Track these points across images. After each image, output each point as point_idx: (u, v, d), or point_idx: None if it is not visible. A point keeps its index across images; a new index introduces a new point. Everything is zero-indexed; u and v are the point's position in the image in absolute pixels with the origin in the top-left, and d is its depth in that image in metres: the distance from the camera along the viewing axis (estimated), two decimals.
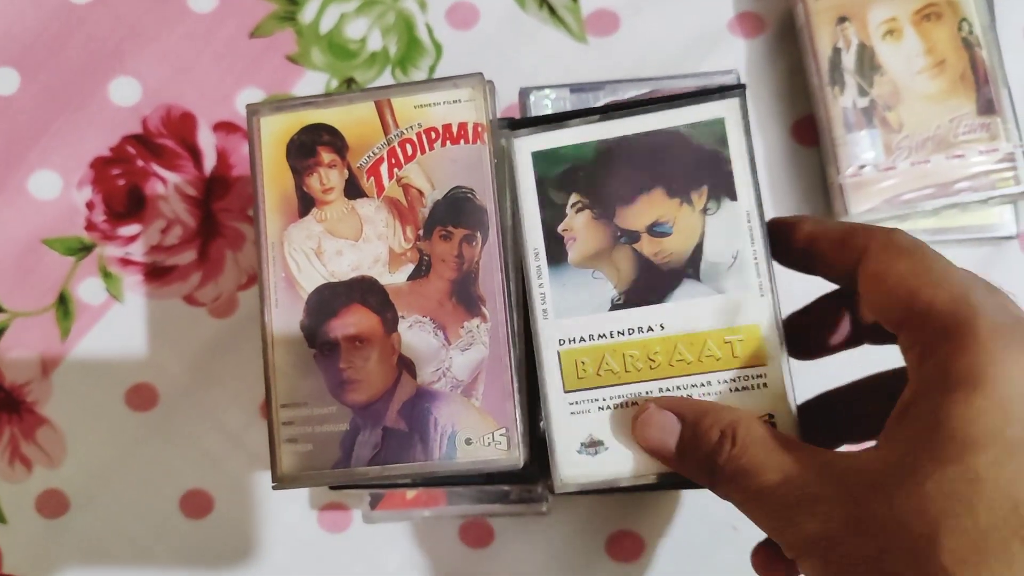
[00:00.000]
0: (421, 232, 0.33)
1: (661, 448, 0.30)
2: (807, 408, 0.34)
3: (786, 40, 0.47)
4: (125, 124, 0.49)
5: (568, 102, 0.36)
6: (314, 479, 0.32)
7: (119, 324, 0.48)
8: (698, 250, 0.32)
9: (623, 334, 0.32)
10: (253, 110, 0.34)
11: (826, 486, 0.26)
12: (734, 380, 0.32)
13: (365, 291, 0.33)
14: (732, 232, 0.32)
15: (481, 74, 0.33)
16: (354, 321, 0.33)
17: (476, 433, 0.32)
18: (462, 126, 0.33)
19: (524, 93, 0.36)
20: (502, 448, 0.32)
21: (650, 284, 0.32)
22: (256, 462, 0.47)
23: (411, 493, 0.42)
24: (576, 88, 0.36)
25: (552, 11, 0.48)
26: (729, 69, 0.36)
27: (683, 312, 0.32)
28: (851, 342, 0.35)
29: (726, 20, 0.47)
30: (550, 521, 0.45)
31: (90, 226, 0.48)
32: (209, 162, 0.48)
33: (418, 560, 0.46)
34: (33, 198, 0.49)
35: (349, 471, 0.32)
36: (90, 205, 0.49)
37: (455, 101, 0.33)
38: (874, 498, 0.25)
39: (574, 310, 0.33)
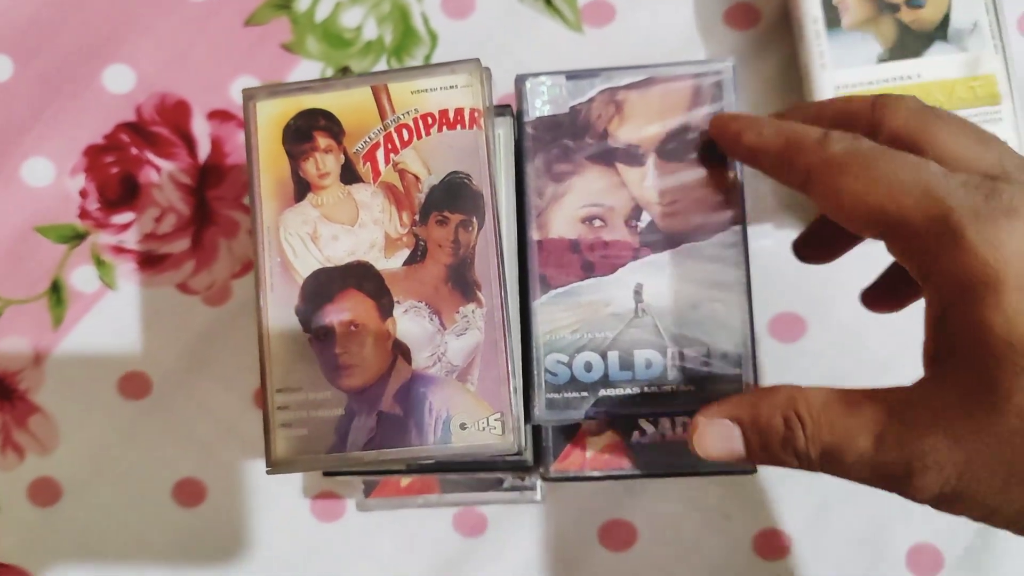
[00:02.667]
0: (417, 217, 0.33)
1: (731, 455, 0.30)
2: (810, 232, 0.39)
3: (780, 31, 0.47)
4: (119, 112, 0.49)
5: (564, 89, 0.36)
6: (309, 463, 0.32)
7: (112, 312, 0.48)
8: (946, 19, 0.42)
9: (887, 81, 0.42)
10: (249, 95, 0.34)
11: (924, 440, 0.25)
12: (976, 115, 0.41)
13: (361, 276, 0.33)
14: (973, 4, 0.42)
15: (478, 60, 0.33)
16: (349, 306, 0.33)
17: (471, 418, 0.32)
18: (459, 111, 0.33)
19: (520, 80, 0.36)
20: (497, 433, 0.32)
21: (908, 44, 0.42)
22: (250, 450, 0.47)
23: (405, 481, 0.42)
24: (572, 75, 0.36)
25: (548, 1, 0.48)
26: (725, 58, 0.36)
27: (936, 65, 0.41)
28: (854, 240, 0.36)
29: (721, 11, 0.48)
30: (543, 510, 0.45)
31: (83, 214, 0.48)
32: (203, 150, 0.48)
33: (412, 548, 0.46)
34: (26, 185, 0.48)
35: (344, 456, 0.32)
36: (83, 193, 0.48)
37: (452, 87, 0.33)
38: (974, 434, 0.24)
39: (847, 63, 0.42)
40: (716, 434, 0.30)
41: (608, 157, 0.36)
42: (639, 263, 0.35)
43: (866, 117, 0.30)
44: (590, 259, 0.35)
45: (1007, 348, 0.24)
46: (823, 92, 0.42)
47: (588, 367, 0.34)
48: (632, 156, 0.35)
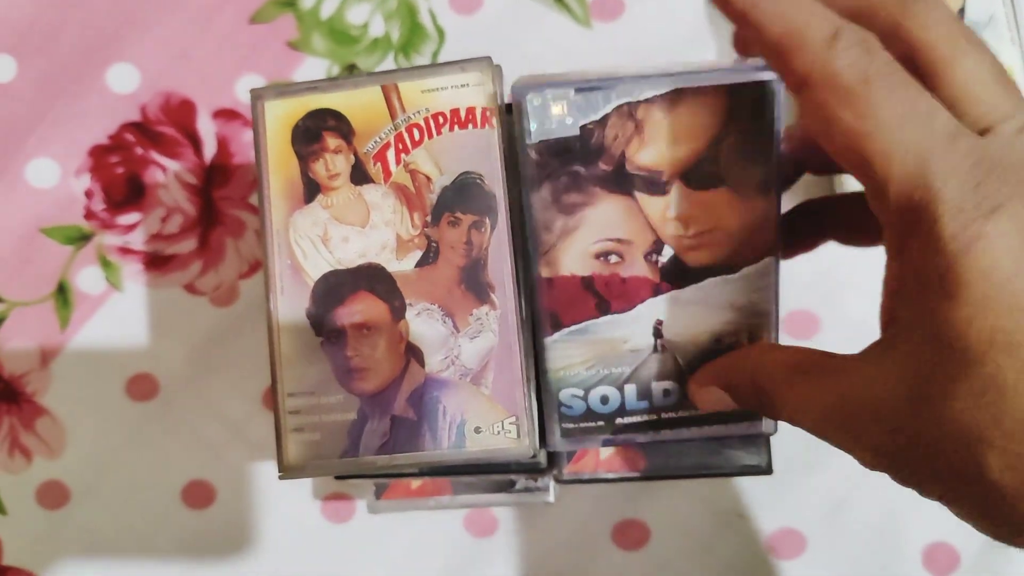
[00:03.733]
0: (429, 218, 0.33)
1: (727, 408, 0.31)
2: (792, 214, 0.33)
3: None
4: (124, 111, 0.48)
5: (574, 105, 0.31)
6: (322, 468, 0.32)
7: (119, 313, 0.47)
8: (961, 12, 0.42)
9: None
10: (257, 95, 0.33)
11: (857, 417, 0.26)
12: None
13: (372, 278, 0.33)
14: None
15: (489, 58, 0.32)
16: (361, 309, 0.32)
17: (485, 422, 0.32)
18: (470, 110, 0.33)
19: (519, 93, 0.30)
20: (512, 437, 0.31)
21: None
22: (258, 452, 0.46)
23: (416, 483, 0.41)
24: (583, 87, 0.31)
25: None
26: (762, 65, 0.30)
27: None
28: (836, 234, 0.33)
29: None
30: (555, 510, 0.45)
31: (89, 215, 0.48)
32: (209, 150, 0.48)
33: (422, 550, 0.45)
34: (31, 187, 0.48)
35: (357, 460, 0.32)
36: (89, 193, 0.48)
37: (463, 85, 0.33)
38: (910, 427, 0.24)
39: None
40: (708, 397, 0.31)
41: (626, 185, 0.31)
42: (659, 299, 0.32)
43: (890, 16, 0.25)
44: (606, 297, 0.32)
45: (950, 352, 0.23)
46: None
47: (604, 400, 0.33)
48: (654, 184, 0.31)
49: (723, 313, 0.32)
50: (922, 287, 0.24)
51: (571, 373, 0.33)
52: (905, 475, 0.26)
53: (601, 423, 0.33)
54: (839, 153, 0.25)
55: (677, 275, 0.32)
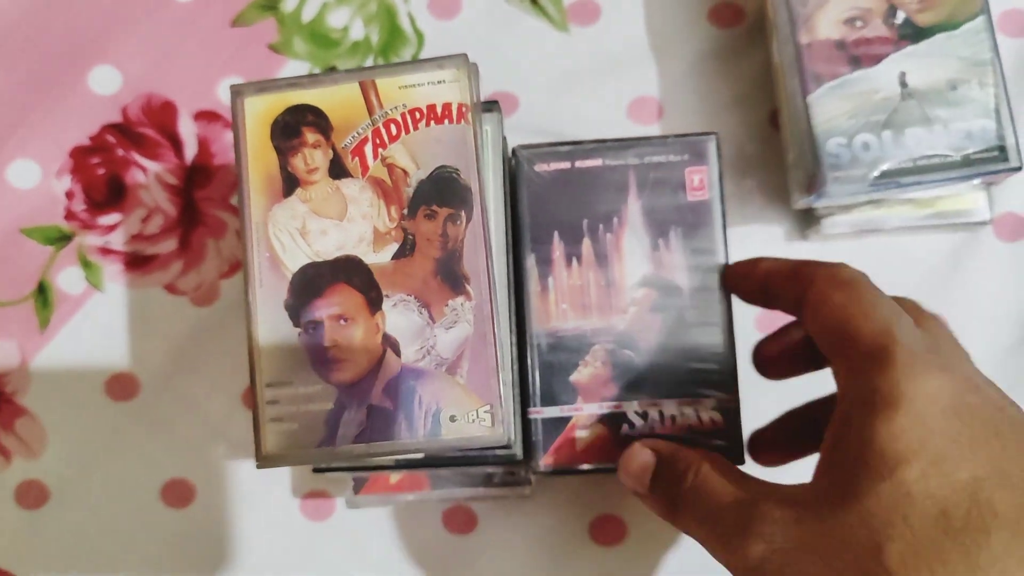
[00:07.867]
0: (405, 211, 0.33)
1: (640, 478, 0.35)
2: (767, 430, 0.40)
3: (764, 30, 0.48)
4: (105, 113, 0.49)
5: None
6: (299, 458, 0.32)
7: (99, 313, 0.48)
8: None
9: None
10: (237, 91, 0.34)
11: (772, 509, 0.29)
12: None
13: (350, 270, 0.33)
14: None
15: (465, 55, 0.33)
16: (339, 300, 0.33)
17: (461, 410, 0.32)
18: (446, 106, 0.33)
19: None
20: (486, 425, 0.32)
21: None
22: (238, 451, 0.47)
23: (395, 477, 0.42)
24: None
25: (534, 0, 0.49)
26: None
27: None
28: (812, 365, 0.38)
29: (706, 10, 0.48)
30: (533, 506, 0.45)
31: (69, 215, 0.48)
32: (190, 151, 0.48)
33: (401, 547, 0.46)
34: (12, 187, 0.48)
35: (334, 449, 0.32)
36: (70, 194, 0.48)
37: (439, 82, 0.33)
38: (817, 518, 0.28)
39: None
40: (641, 459, 0.35)
41: None
42: (899, 54, 0.39)
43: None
44: (856, 55, 0.40)
45: (879, 457, 0.27)
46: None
47: (866, 146, 0.39)
48: None
49: (952, 63, 0.39)
50: (865, 403, 0.28)
51: (835, 124, 0.39)
52: (795, 568, 0.28)
53: (864, 170, 0.39)
54: (822, 325, 0.32)
55: (911, 34, 0.40)
